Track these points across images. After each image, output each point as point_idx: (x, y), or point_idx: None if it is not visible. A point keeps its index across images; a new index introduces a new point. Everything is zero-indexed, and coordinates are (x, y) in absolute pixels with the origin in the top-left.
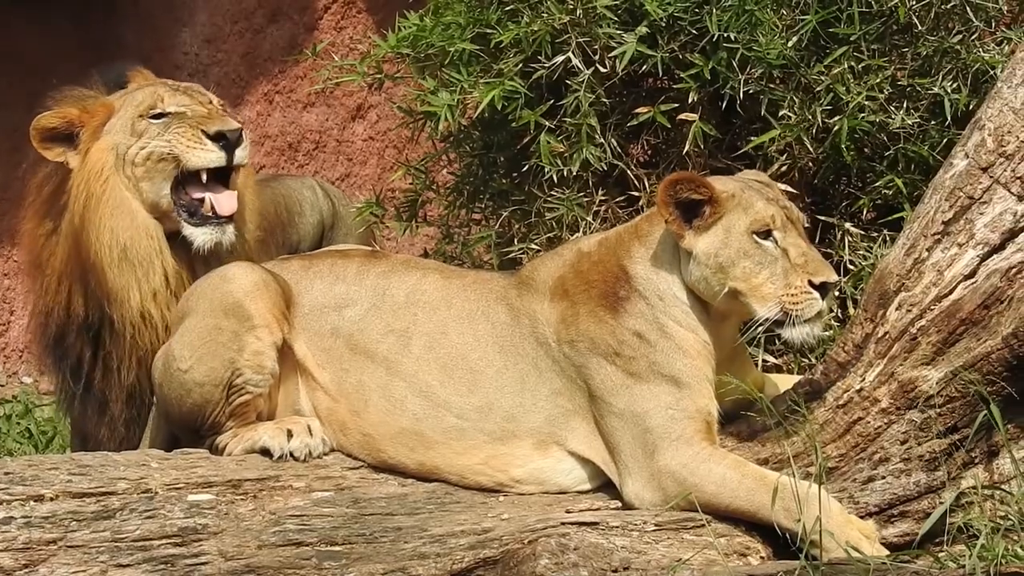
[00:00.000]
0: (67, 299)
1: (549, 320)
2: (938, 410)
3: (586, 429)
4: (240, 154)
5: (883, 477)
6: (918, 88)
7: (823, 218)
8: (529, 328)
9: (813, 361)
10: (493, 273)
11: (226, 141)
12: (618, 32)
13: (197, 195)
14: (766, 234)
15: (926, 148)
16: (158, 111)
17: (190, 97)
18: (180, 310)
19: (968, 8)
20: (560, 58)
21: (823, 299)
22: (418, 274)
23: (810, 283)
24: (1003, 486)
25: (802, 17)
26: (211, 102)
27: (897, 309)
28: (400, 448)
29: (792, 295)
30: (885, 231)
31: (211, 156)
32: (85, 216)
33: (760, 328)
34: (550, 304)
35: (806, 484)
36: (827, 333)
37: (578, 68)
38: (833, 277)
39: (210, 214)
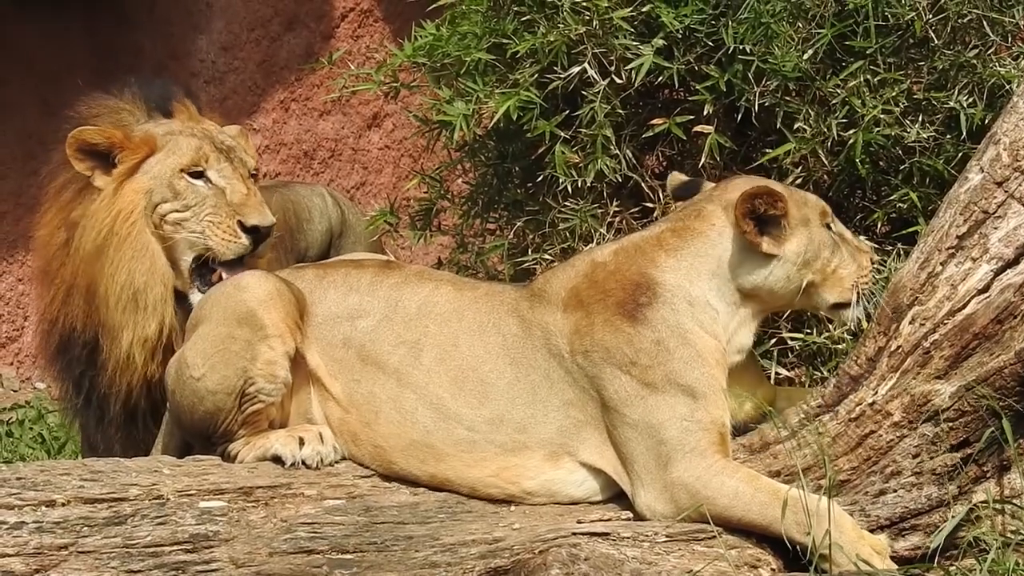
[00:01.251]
0: (73, 312)
1: (562, 331)
2: (950, 424)
3: (598, 439)
4: (264, 245)
5: (895, 490)
6: (934, 102)
7: None
8: (541, 340)
9: (826, 374)
10: (505, 285)
11: (258, 234)
12: (634, 43)
13: (216, 272)
14: (829, 224)
15: (941, 162)
16: (199, 170)
17: (232, 166)
18: (194, 318)
19: (985, 22)
20: (576, 69)
21: None
22: (431, 286)
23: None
24: (1014, 500)
25: (818, 30)
26: (248, 170)
27: (911, 323)
28: (411, 460)
29: (863, 275)
30: (899, 245)
31: (240, 247)
32: (104, 249)
33: (825, 311)
34: (563, 315)
35: (817, 498)
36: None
37: (594, 79)
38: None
39: None
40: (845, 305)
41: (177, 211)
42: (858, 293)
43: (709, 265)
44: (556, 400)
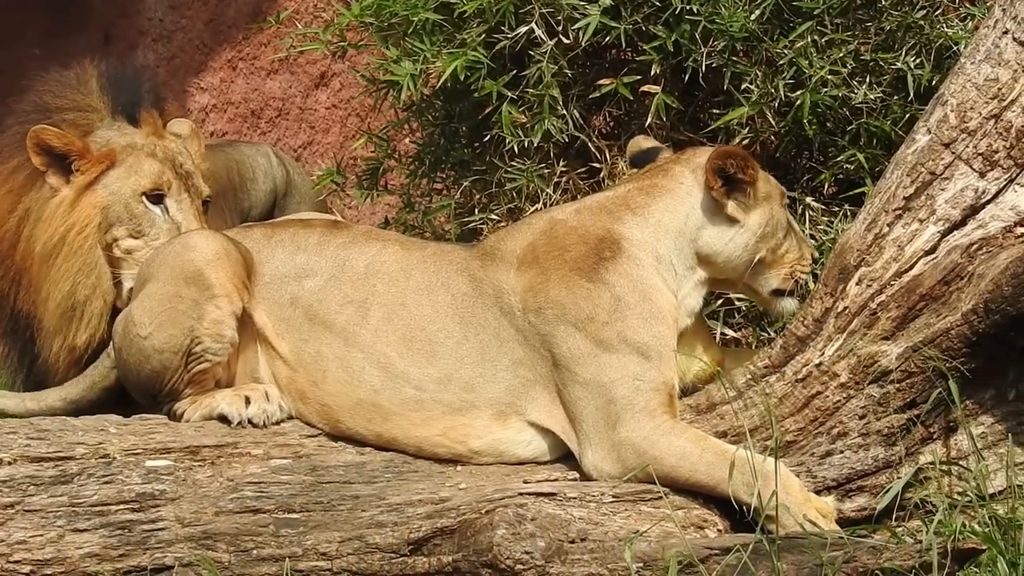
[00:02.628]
0: (18, 294)
1: (515, 289)
2: (897, 385)
3: (547, 399)
4: None
5: (841, 451)
6: (881, 63)
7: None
8: (493, 298)
9: (772, 335)
10: (454, 245)
11: None
12: (581, 3)
13: None
14: (786, 207)
15: (888, 123)
16: (160, 194)
17: (190, 197)
18: (141, 275)
19: None
20: (523, 29)
21: None
22: (378, 245)
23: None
24: (960, 462)
25: None
26: (203, 199)
27: (857, 284)
28: (358, 419)
29: (803, 265)
30: (846, 206)
31: None
32: (54, 255)
33: (764, 296)
34: (517, 272)
35: (763, 458)
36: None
37: (541, 39)
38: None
39: None
40: (782, 292)
41: (130, 236)
42: (795, 282)
43: (676, 223)
44: (505, 359)
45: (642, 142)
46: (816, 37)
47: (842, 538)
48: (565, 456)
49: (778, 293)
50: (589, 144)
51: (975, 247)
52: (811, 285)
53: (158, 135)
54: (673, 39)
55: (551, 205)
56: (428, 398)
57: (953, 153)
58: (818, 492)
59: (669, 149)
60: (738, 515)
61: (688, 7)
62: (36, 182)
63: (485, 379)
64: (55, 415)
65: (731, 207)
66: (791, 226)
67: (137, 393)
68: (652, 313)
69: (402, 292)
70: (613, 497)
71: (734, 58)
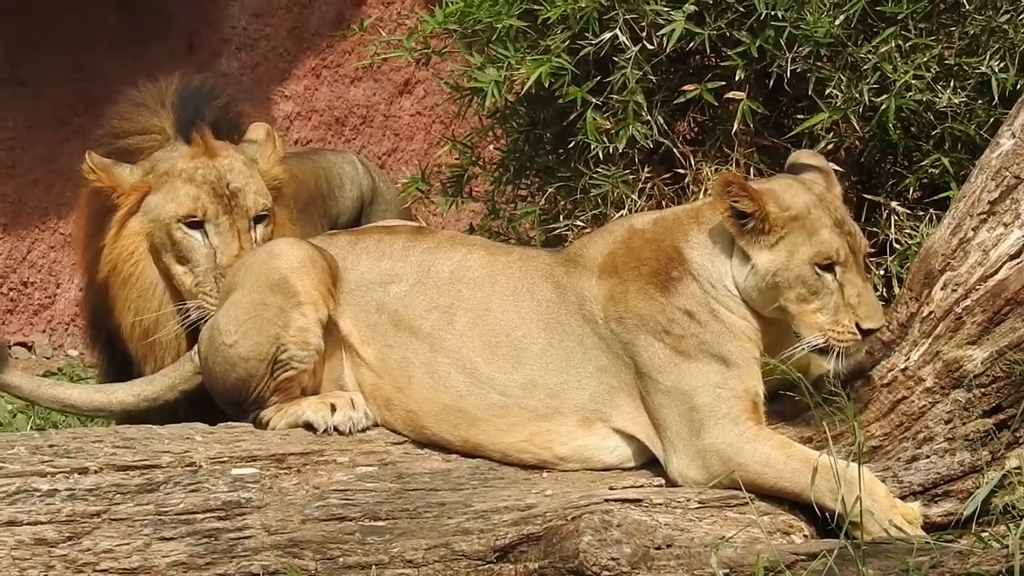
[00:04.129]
0: (106, 313)
1: (597, 297)
2: (983, 390)
3: (631, 406)
4: None
5: (927, 456)
6: (965, 67)
7: (869, 197)
8: (576, 305)
9: None
10: (539, 250)
11: None
12: (665, 9)
13: None
14: (828, 267)
15: (973, 127)
16: (197, 219)
17: (230, 219)
18: (228, 284)
19: None
20: (607, 35)
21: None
22: (463, 250)
23: (857, 326)
24: None
25: None
26: (251, 218)
27: (942, 289)
28: (444, 425)
29: (838, 332)
30: (931, 210)
31: None
32: (113, 283)
33: (802, 349)
34: (598, 281)
35: (846, 464)
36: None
37: (625, 45)
38: (880, 324)
39: None
40: (816, 348)
41: (178, 263)
42: (834, 349)
43: (724, 248)
44: (590, 366)
45: (805, 157)
46: (900, 42)
47: (928, 543)
48: (651, 462)
49: (820, 351)
50: (673, 150)
51: None
52: (860, 354)
53: (209, 154)
54: (757, 44)
55: (636, 211)
56: (513, 404)
57: None
58: (903, 497)
59: (826, 174)
60: (824, 522)
61: (773, 12)
62: (109, 208)
63: (570, 385)
64: (125, 411)
65: (742, 240)
66: (838, 289)
67: (222, 401)
68: (723, 331)
69: (487, 297)
70: (699, 503)
71: (818, 63)
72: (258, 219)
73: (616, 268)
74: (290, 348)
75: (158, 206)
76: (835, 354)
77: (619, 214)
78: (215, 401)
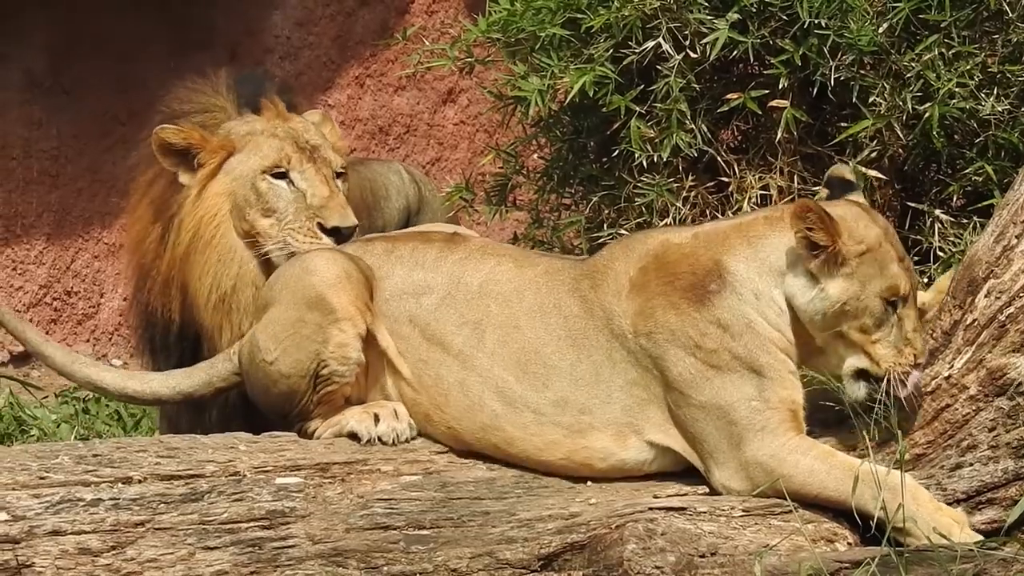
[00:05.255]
0: (170, 304)
1: (626, 312)
2: None
3: (661, 417)
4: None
5: (971, 464)
6: (1008, 75)
7: (913, 205)
8: (603, 320)
9: None
10: (564, 261)
11: (339, 235)
12: (709, 18)
13: None
14: (894, 302)
15: (1016, 135)
16: (282, 170)
17: (315, 166)
18: (263, 298)
19: None
20: (651, 43)
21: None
22: (493, 262)
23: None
24: None
25: (894, 3)
26: (334, 170)
27: (986, 296)
28: (485, 444)
29: (900, 363)
30: (975, 218)
31: (323, 246)
32: (192, 251)
33: (843, 368)
34: (628, 295)
35: (887, 470)
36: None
37: (668, 53)
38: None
39: None
40: (867, 376)
41: (263, 216)
42: (889, 379)
43: (778, 264)
44: (619, 380)
45: (845, 173)
46: (943, 50)
47: (971, 551)
48: (690, 469)
49: (861, 375)
50: (718, 158)
51: None
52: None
53: (282, 118)
54: (801, 53)
55: (680, 220)
56: (548, 421)
57: None
58: (948, 504)
59: (860, 194)
60: (868, 529)
61: (816, 21)
62: (174, 190)
63: (601, 400)
64: (157, 400)
65: (814, 263)
66: (897, 323)
67: (267, 412)
68: (758, 343)
69: (515, 315)
70: (743, 511)
71: (862, 71)
72: (338, 175)
73: (648, 282)
74: (331, 364)
75: (241, 163)
76: (887, 387)
77: (664, 222)
78: (259, 410)
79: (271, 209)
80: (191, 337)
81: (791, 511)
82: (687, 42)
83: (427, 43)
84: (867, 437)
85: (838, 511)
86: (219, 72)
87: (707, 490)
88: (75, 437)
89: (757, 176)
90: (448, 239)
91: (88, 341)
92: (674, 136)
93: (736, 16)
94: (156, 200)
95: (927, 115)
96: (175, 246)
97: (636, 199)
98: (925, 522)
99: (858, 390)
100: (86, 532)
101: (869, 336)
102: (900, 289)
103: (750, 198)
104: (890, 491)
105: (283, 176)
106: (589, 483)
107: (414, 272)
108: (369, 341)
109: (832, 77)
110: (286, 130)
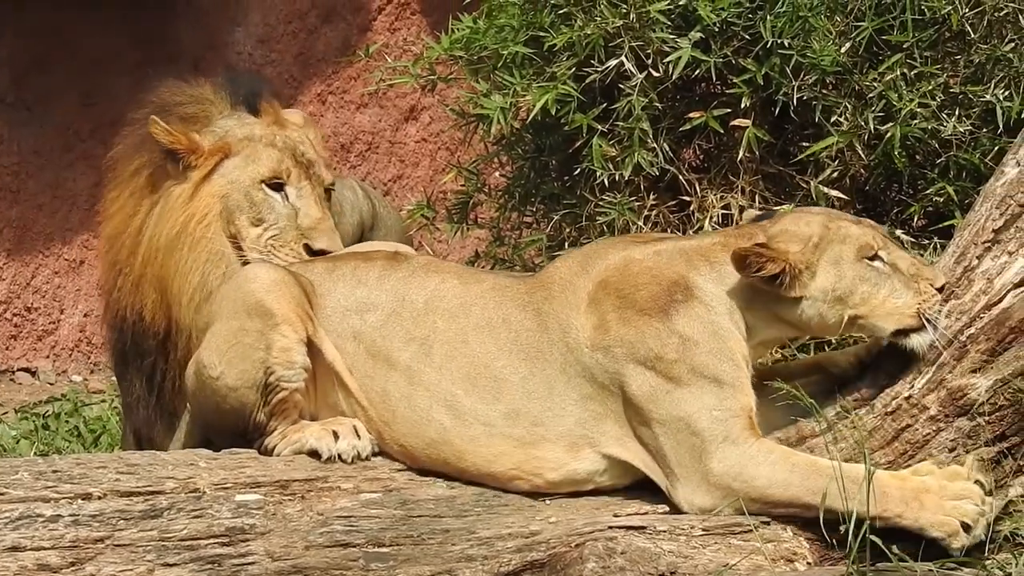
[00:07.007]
0: (142, 304)
1: (583, 325)
2: (987, 418)
3: (620, 431)
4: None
5: None
6: (970, 96)
7: None
8: (559, 333)
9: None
10: (511, 278)
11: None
12: (671, 37)
13: None
14: (873, 256)
15: (977, 156)
16: (279, 182)
17: (311, 184)
18: (205, 318)
19: (1021, 16)
20: (613, 62)
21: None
22: (437, 279)
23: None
24: None
25: (856, 24)
26: (324, 187)
27: (947, 317)
28: (434, 458)
29: (923, 301)
30: (936, 238)
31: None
32: (177, 246)
33: (891, 340)
34: (586, 308)
35: (854, 465)
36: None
37: (631, 72)
38: (944, 278)
39: None
40: (909, 331)
41: (251, 224)
42: (925, 319)
43: (740, 290)
44: (574, 394)
45: (753, 213)
46: (905, 70)
47: (932, 570)
48: (639, 484)
49: (902, 333)
50: (679, 177)
51: None
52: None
53: (279, 124)
54: (763, 72)
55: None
56: (499, 433)
57: None
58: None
59: (785, 211)
60: (829, 546)
61: (779, 41)
62: (157, 183)
63: (554, 412)
64: None
65: (784, 289)
66: (894, 269)
67: (222, 437)
68: (721, 350)
69: (463, 329)
70: (703, 530)
71: (824, 91)
72: (326, 191)
73: (607, 295)
74: (276, 369)
75: (237, 168)
76: (929, 325)
77: (613, 240)
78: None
79: (261, 219)
80: (162, 336)
81: (751, 530)
82: (649, 61)
83: (389, 60)
84: (822, 427)
85: (799, 531)
86: (197, 75)
87: (667, 509)
88: (35, 453)
89: (719, 195)
90: (390, 257)
91: (48, 357)
92: (636, 155)
93: (699, 35)
94: (137, 192)
95: (889, 135)
96: (154, 238)
97: (598, 217)
98: (895, 500)
99: (912, 344)
100: (45, 548)
101: (878, 299)
102: (872, 243)
103: (711, 217)
104: (853, 482)
105: (279, 188)
106: (548, 500)
107: (356, 290)
108: (315, 355)
109: (794, 97)
110: (285, 140)
